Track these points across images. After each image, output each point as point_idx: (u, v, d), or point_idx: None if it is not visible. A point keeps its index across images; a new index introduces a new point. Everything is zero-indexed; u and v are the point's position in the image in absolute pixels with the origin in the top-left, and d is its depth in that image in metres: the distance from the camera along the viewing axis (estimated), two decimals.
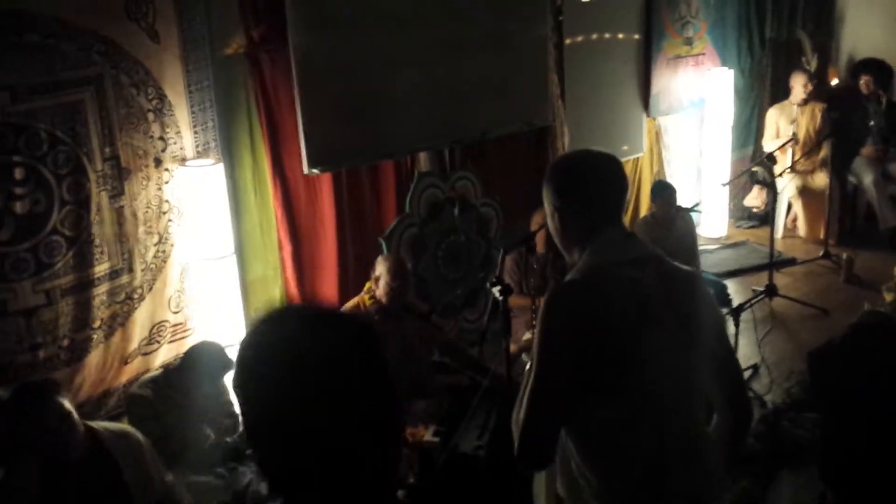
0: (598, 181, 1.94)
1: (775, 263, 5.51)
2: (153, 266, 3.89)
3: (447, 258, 4.70)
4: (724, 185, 6.28)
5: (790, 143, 6.14)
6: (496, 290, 3.21)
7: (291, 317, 1.16)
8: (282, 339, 1.09)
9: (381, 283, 3.85)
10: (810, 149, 6.32)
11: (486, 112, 4.75)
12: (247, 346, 1.10)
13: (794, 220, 6.68)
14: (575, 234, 1.94)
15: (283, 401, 1.05)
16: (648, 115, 6.17)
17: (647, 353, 1.79)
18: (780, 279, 5.56)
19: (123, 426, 3.09)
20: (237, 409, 3.94)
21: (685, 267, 1.98)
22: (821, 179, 6.38)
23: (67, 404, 2.78)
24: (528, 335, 4.51)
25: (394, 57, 4.28)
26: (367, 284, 3.96)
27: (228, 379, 3.77)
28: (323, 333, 1.09)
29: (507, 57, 4.84)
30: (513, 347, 4.47)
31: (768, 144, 6.47)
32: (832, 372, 3.18)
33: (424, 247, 4.57)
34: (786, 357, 4.61)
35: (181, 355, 3.78)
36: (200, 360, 3.61)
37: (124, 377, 3.86)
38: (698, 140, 6.59)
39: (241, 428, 3.74)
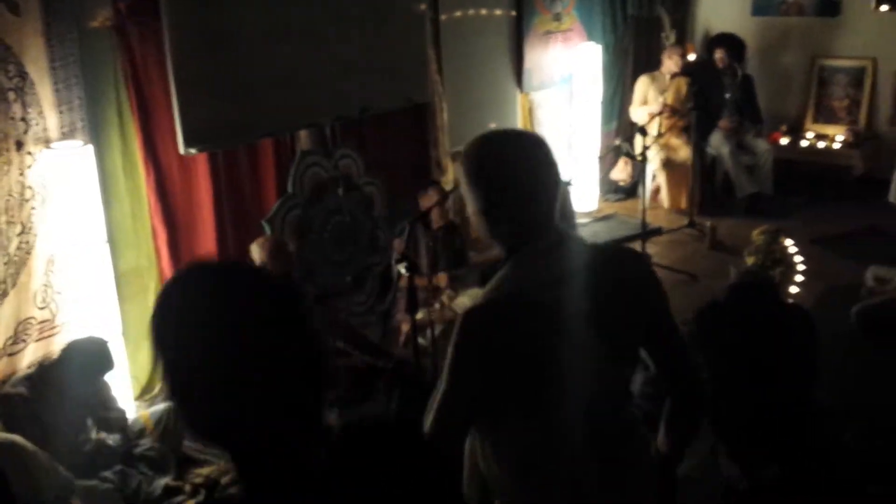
0: (525, 190, 1.70)
1: (644, 234, 5.73)
2: (16, 259, 3.59)
3: (333, 239, 4.59)
4: (599, 157, 6.46)
5: (662, 114, 6.38)
6: (402, 267, 3.16)
7: (201, 272, 1.17)
8: (198, 294, 1.10)
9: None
10: (675, 121, 6.59)
11: (366, 88, 4.64)
12: (162, 306, 1.11)
13: (657, 190, 6.96)
14: (499, 240, 1.76)
15: (206, 356, 1.07)
16: (522, 91, 6.24)
17: (561, 378, 1.70)
18: (649, 248, 5.78)
19: (8, 435, 2.86)
20: (128, 395, 3.75)
21: (627, 252, 1.88)
22: (684, 151, 6.68)
23: None
24: (420, 315, 4.48)
25: (272, 30, 4.10)
26: None
27: (109, 377, 3.56)
28: (236, 286, 1.12)
29: (386, 32, 4.74)
30: (405, 328, 4.45)
31: (637, 112, 6.69)
32: (718, 327, 3.36)
33: (310, 228, 4.44)
34: None
35: (58, 351, 3.53)
36: (79, 357, 3.39)
37: None
38: (568, 115, 6.73)
39: (127, 423, 3.55)
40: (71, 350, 3.42)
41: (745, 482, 3.34)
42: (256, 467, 1.12)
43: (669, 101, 6.66)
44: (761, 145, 6.91)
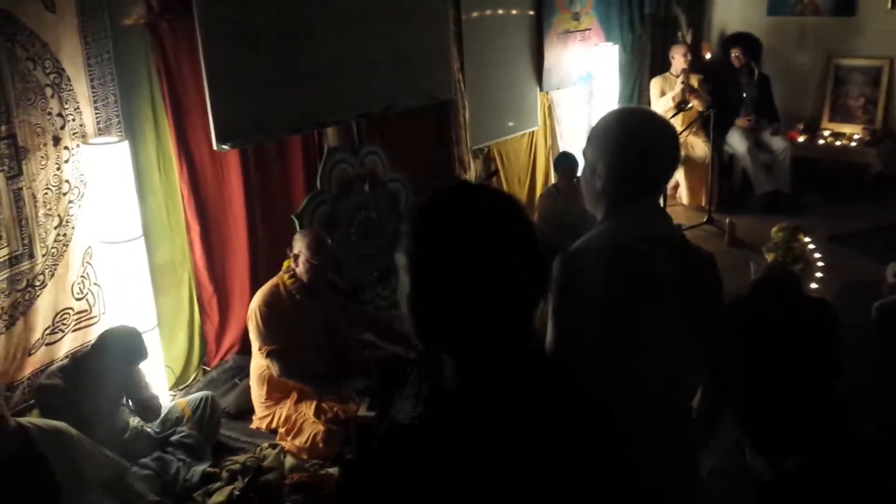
0: (647, 153, 1.86)
1: None
2: (55, 251, 3.67)
3: (360, 234, 4.66)
4: None
5: (680, 112, 6.44)
6: None
7: (460, 194, 1.29)
8: (456, 211, 1.23)
9: (301, 260, 3.79)
10: (692, 120, 6.64)
11: (392, 86, 4.72)
12: (423, 219, 1.24)
13: (676, 187, 7.02)
14: (606, 198, 1.89)
15: (464, 269, 1.19)
16: (541, 90, 6.30)
17: (637, 325, 1.80)
18: None
19: (52, 422, 2.92)
20: (163, 384, 3.81)
21: (704, 251, 1.97)
22: (701, 149, 6.73)
23: None
24: None
25: (300, 28, 4.18)
26: (286, 263, 3.88)
27: (143, 365, 3.62)
28: (489, 207, 1.25)
29: (411, 30, 4.82)
30: None
31: (658, 104, 6.75)
32: (743, 321, 3.41)
33: (337, 223, 4.51)
34: None
35: (91, 341, 3.59)
36: (113, 346, 3.44)
37: (28, 369, 3.62)
38: (587, 114, 6.79)
39: (161, 410, 3.61)
40: (105, 339, 3.48)
41: (770, 474, 3.39)
42: (477, 369, 1.23)
43: (678, 98, 6.71)
44: (779, 143, 6.95)
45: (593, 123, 6.15)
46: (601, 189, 1.88)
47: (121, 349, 3.48)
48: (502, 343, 1.22)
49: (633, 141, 1.87)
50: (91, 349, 3.55)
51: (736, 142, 6.90)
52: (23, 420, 2.86)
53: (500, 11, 5.85)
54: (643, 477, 1.79)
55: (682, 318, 1.84)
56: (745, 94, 6.94)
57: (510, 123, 6.07)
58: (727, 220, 6.22)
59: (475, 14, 5.55)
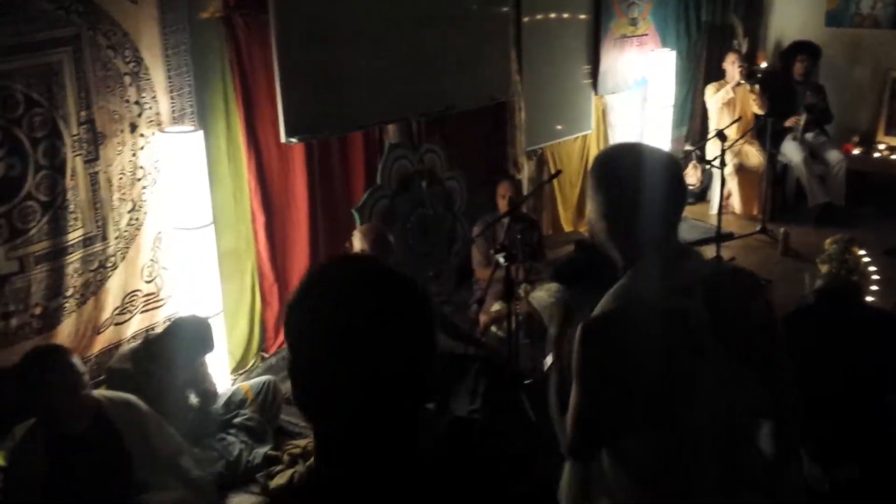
0: (646, 194, 1.72)
1: (717, 238, 5.77)
2: (126, 234, 3.78)
3: (416, 231, 4.74)
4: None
5: (736, 122, 6.42)
6: (500, 258, 3.29)
7: (342, 273, 1.18)
8: (332, 295, 1.12)
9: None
10: (746, 128, 6.61)
11: (454, 86, 4.79)
12: (300, 297, 1.14)
13: (728, 196, 6.99)
14: (620, 248, 1.79)
15: (332, 352, 1.09)
16: (596, 93, 6.32)
17: (684, 388, 1.70)
18: (722, 252, 5.82)
19: (126, 395, 3.02)
20: (225, 368, 3.90)
21: (744, 276, 1.86)
22: (755, 157, 6.70)
23: (79, 364, 2.74)
24: (497, 306, 4.60)
25: (368, 27, 4.27)
26: None
27: (208, 357, 3.71)
28: (369, 292, 1.12)
29: (473, 32, 4.89)
30: (484, 318, 4.57)
31: (711, 101, 6.73)
32: (804, 331, 3.41)
33: (395, 219, 4.59)
34: None
35: (163, 326, 3.70)
36: (184, 336, 3.54)
37: (97, 347, 3.74)
38: (640, 119, 6.80)
39: (217, 397, 3.70)
40: (177, 326, 3.57)
41: (826, 483, 3.38)
42: (338, 450, 1.14)
43: (737, 108, 6.69)
44: (834, 155, 6.89)
45: (647, 128, 6.10)
46: (610, 239, 1.78)
47: (191, 337, 3.57)
48: (364, 436, 1.12)
49: (627, 184, 1.74)
50: (162, 334, 3.65)
51: (791, 151, 6.85)
52: (96, 392, 2.97)
53: (559, 15, 5.89)
54: None
55: (730, 362, 1.72)
56: (801, 104, 6.88)
57: (564, 126, 6.10)
58: (781, 230, 6.19)
59: (535, 17, 5.59)
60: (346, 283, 1.13)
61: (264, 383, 3.76)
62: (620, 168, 1.78)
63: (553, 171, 5.67)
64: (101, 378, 3.64)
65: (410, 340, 1.11)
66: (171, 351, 3.53)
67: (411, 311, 1.12)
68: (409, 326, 1.11)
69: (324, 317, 1.10)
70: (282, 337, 4.47)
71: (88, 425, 2.78)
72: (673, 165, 1.81)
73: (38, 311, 3.51)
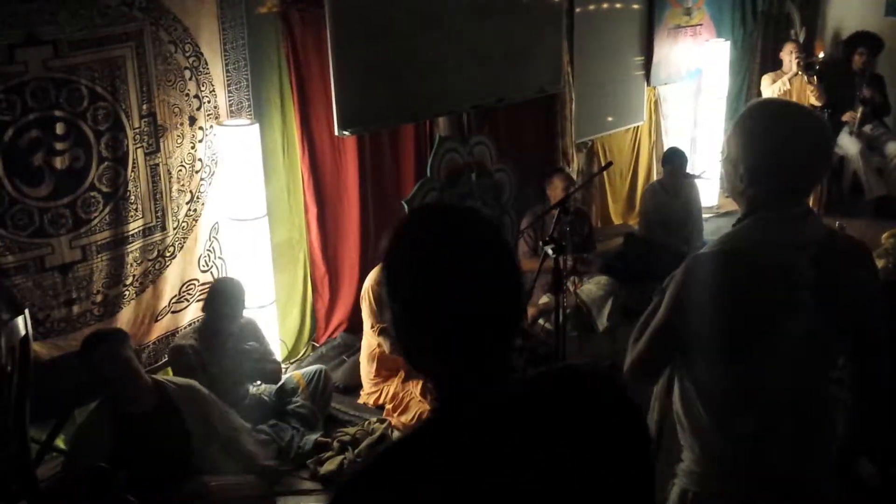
0: (792, 154, 1.74)
1: None
2: (185, 224, 3.90)
3: None
4: (721, 153, 6.42)
5: None
6: (549, 248, 3.31)
7: (436, 215, 1.24)
8: (430, 235, 1.17)
9: None
10: None
11: (504, 78, 4.80)
12: (397, 245, 1.18)
13: None
14: (746, 199, 1.82)
15: (436, 292, 1.13)
16: (649, 84, 6.27)
17: (771, 335, 1.76)
18: None
19: (188, 380, 3.14)
20: (278, 356, 3.99)
21: (857, 244, 1.88)
22: None
23: (130, 353, 2.87)
24: (545, 298, 4.62)
25: (420, 21, 4.30)
26: None
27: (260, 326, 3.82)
28: (464, 230, 1.18)
29: (525, 23, 4.89)
30: (531, 311, 4.59)
31: (767, 91, 6.62)
32: None
33: None
34: None
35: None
36: (212, 290, 3.70)
37: (154, 334, 3.88)
38: (693, 110, 6.73)
39: (281, 375, 3.80)
40: (214, 286, 3.71)
41: (878, 478, 3.34)
42: (455, 394, 1.17)
43: (793, 98, 6.57)
44: (892, 147, 6.73)
45: (700, 120, 6.02)
46: (741, 190, 1.81)
47: (216, 290, 3.69)
48: (479, 370, 1.15)
49: (777, 140, 1.76)
50: (206, 298, 3.78)
51: (847, 144, 6.71)
52: (159, 377, 3.09)
53: (612, 5, 5.85)
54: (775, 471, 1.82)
55: (823, 326, 1.77)
56: (859, 94, 6.74)
57: (616, 118, 6.07)
58: (836, 223, 6.07)
59: (587, 7, 5.57)
60: (437, 224, 1.19)
61: (316, 372, 3.85)
62: (772, 120, 1.80)
63: (603, 164, 5.66)
64: (165, 360, 3.77)
65: (502, 271, 1.16)
66: (209, 309, 3.67)
67: (497, 244, 1.18)
68: (499, 258, 1.16)
69: (423, 259, 1.14)
70: (332, 327, 4.56)
71: (153, 406, 2.91)
72: (823, 129, 1.82)
73: (99, 298, 3.64)
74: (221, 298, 3.61)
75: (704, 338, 1.80)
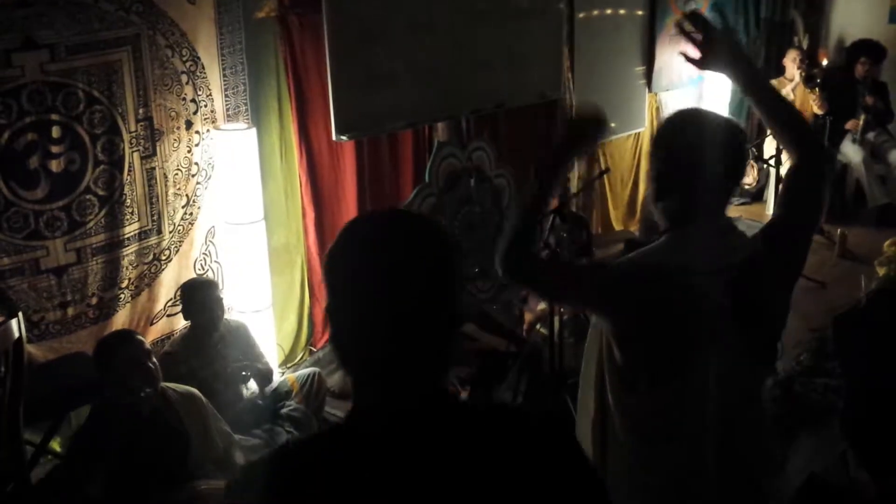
0: (698, 163, 1.67)
1: None
2: (181, 228, 3.90)
3: (463, 228, 4.76)
4: None
5: None
6: (543, 255, 3.30)
7: (371, 221, 1.28)
8: (364, 240, 1.19)
9: None
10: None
11: (504, 83, 4.79)
12: (334, 250, 1.20)
13: None
14: (662, 210, 1.77)
15: (363, 301, 1.14)
16: (650, 91, 6.26)
17: (687, 366, 1.71)
18: None
19: (189, 388, 3.14)
20: (273, 360, 3.98)
21: (787, 265, 1.83)
22: None
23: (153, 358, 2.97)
24: (542, 305, 4.61)
25: (418, 25, 4.30)
26: None
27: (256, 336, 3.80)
28: (401, 236, 1.18)
29: (526, 29, 4.88)
30: (528, 317, 4.58)
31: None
32: (857, 333, 3.36)
33: (442, 217, 4.62)
34: (791, 328, 4.75)
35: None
36: (184, 289, 3.67)
37: (150, 338, 3.85)
38: None
39: (272, 377, 3.79)
40: (189, 288, 3.65)
41: (873, 489, 3.32)
42: (354, 404, 1.17)
43: (796, 105, 6.55)
44: (895, 156, 6.71)
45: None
46: (657, 202, 1.75)
47: (186, 293, 3.64)
48: (382, 385, 1.14)
49: (681, 149, 1.71)
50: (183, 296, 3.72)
51: (850, 152, 6.69)
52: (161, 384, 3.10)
53: (613, 11, 5.84)
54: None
55: (742, 352, 1.71)
56: (862, 102, 6.71)
57: (617, 124, 6.05)
58: (838, 231, 6.06)
59: (589, 13, 5.56)
60: (375, 226, 1.22)
61: (309, 375, 3.84)
62: (678, 131, 1.76)
63: (606, 167, 5.65)
64: None
65: (435, 273, 1.16)
66: (185, 310, 3.62)
67: (433, 247, 1.18)
68: (432, 260, 1.16)
69: (354, 255, 1.17)
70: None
71: (154, 409, 2.92)
72: (733, 133, 1.75)
73: (94, 301, 3.65)
74: (194, 300, 3.58)
75: (620, 360, 1.75)
